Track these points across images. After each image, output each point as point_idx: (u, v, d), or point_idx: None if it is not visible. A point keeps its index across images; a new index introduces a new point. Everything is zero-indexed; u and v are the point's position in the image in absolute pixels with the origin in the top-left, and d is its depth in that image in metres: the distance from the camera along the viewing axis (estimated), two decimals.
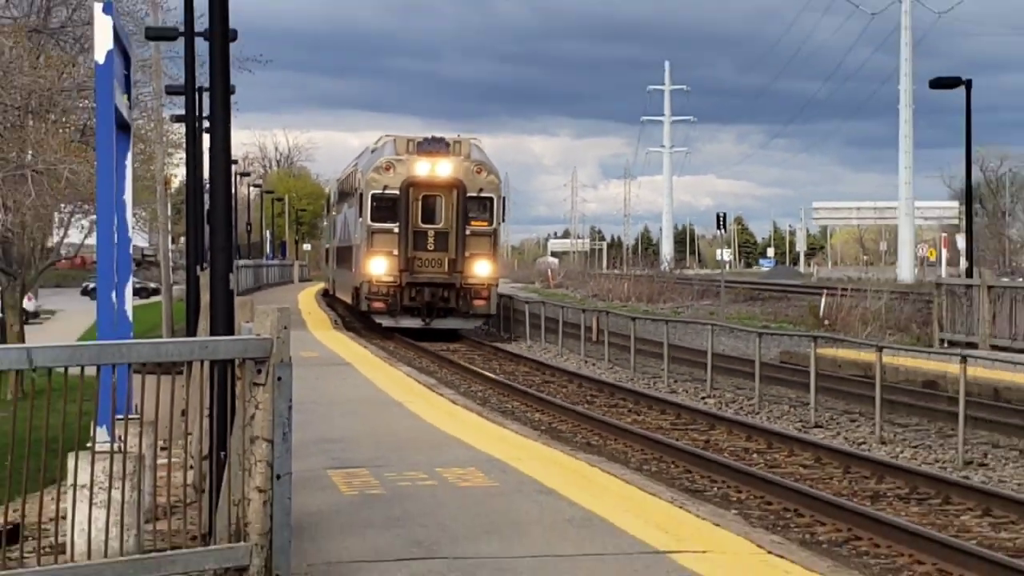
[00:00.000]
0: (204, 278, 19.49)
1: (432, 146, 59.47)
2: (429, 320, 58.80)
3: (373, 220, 59.43)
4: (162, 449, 16.22)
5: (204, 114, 35.86)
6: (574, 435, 32.42)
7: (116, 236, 17.59)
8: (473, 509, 16.88)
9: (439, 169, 60.35)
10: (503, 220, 58.75)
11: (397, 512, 16.59)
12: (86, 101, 39.81)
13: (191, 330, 30.73)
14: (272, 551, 12.82)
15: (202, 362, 15.07)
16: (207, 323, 17.50)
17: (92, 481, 14.54)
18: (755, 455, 30.04)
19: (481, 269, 58.76)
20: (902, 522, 21.65)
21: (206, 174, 25.89)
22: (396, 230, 57.85)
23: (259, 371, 12.92)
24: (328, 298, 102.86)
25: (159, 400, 15.91)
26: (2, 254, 55.31)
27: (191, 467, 16.88)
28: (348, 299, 73.69)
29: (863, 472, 27.53)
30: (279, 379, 12.84)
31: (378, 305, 58.50)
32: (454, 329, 61.64)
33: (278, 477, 12.79)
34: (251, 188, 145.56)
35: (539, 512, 16.73)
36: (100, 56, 17.61)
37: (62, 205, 52.59)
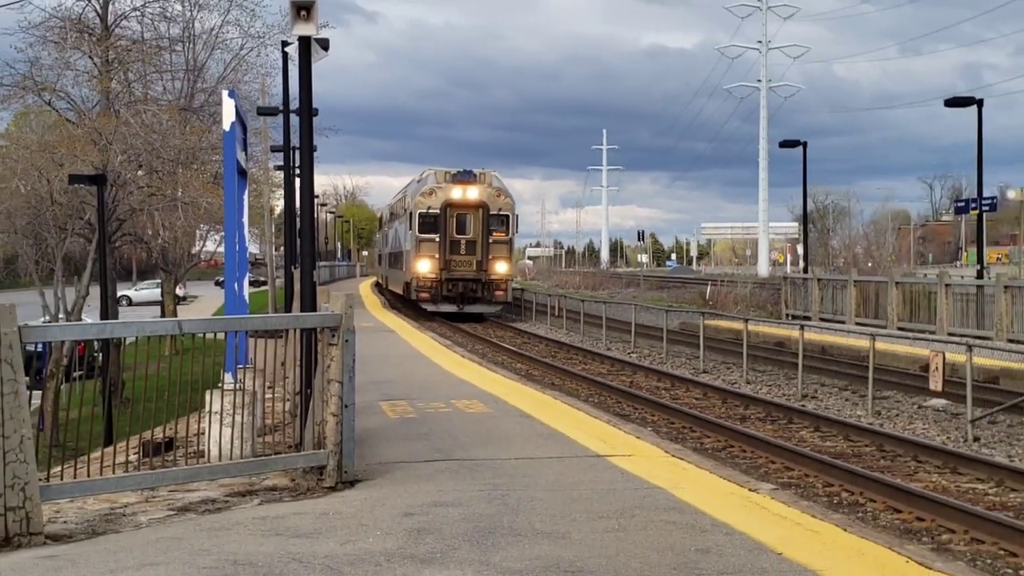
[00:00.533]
0: (296, 274, 19.49)
1: (464, 176, 58.62)
2: (462, 306, 56.73)
3: (420, 232, 57.48)
4: (268, 388, 16.23)
5: (296, 164, 35.76)
6: (543, 378, 32.24)
7: (237, 246, 17.62)
8: (475, 427, 16.91)
9: (469, 193, 58.61)
10: (516, 231, 59.29)
11: (424, 429, 16.64)
12: (217, 156, 39.59)
13: (288, 308, 30.71)
14: (342, 455, 12.85)
15: (296, 330, 15.22)
16: (298, 304, 17.51)
17: (222, 409, 14.56)
18: (663, 391, 29.86)
19: (500, 268, 57.81)
20: (761, 435, 21.71)
21: (298, 204, 25.92)
22: (437, 239, 56.26)
23: (333, 335, 12.95)
24: (379, 288, 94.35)
25: (266, 355, 15.95)
26: (162, 258, 55.38)
27: (287, 400, 16.92)
28: (399, 291, 68.75)
29: (735, 402, 27.52)
30: (346, 341, 12.87)
31: (424, 295, 56.71)
32: (480, 313, 59.52)
33: (346, 406, 12.82)
34: (327, 214, 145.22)
35: (520, 429, 16.77)
36: (226, 126, 17.63)
37: (201, 225, 52.59)
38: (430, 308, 55.71)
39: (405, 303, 76.41)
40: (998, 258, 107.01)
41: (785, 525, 10.54)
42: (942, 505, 15.54)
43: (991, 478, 18.08)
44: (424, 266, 55.71)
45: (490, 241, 54.56)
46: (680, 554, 9.39)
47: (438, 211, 55.95)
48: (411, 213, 56.12)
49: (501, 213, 54.74)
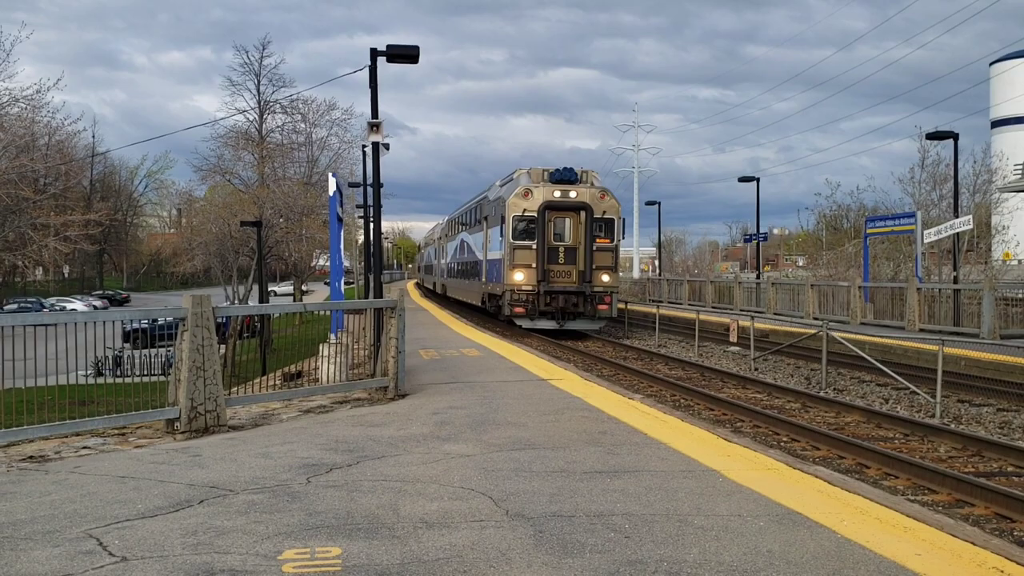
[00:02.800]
0: (370, 279, 19.48)
1: (564, 175, 35.48)
2: (563, 322, 34.00)
3: (515, 238, 34.10)
4: (355, 342, 16.22)
5: (371, 215, 35.58)
6: (512, 336, 32.02)
7: (337, 262, 17.62)
8: (473, 365, 16.85)
9: (570, 194, 34.94)
10: (623, 237, 35.68)
11: (444, 366, 16.60)
12: (325, 210, 39.55)
13: (366, 296, 30.72)
14: (397, 380, 12.85)
15: (371, 309, 15.17)
16: (372, 295, 17.51)
17: (329, 354, 14.56)
18: (580, 344, 29.70)
19: (605, 278, 33.89)
20: (635, 367, 21.64)
21: (371, 238, 25.99)
22: (534, 246, 33.79)
23: (392, 311, 12.96)
24: (419, 288, 78.71)
25: (355, 323, 15.94)
26: (294, 268, 55.17)
27: (366, 349, 16.87)
28: (474, 302, 41.69)
29: (620, 349, 27.46)
30: (400, 315, 12.88)
31: (519, 309, 33.86)
32: (582, 330, 34.81)
33: (400, 352, 12.83)
34: (388, 243, 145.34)
35: (499, 365, 16.73)
36: (330, 192, 17.62)
37: (316, 250, 52.37)
38: (525, 325, 32.84)
39: (432, 295, 61.76)
40: (769, 268, 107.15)
41: (648, 418, 10.59)
42: (737, 406, 15.62)
43: (764, 391, 18.19)
44: (519, 276, 32.71)
45: (593, 249, 32.66)
46: (589, 433, 9.46)
47: (535, 214, 32.80)
48: (503, 216, 33.48)
49: (606, 217, 32.98)
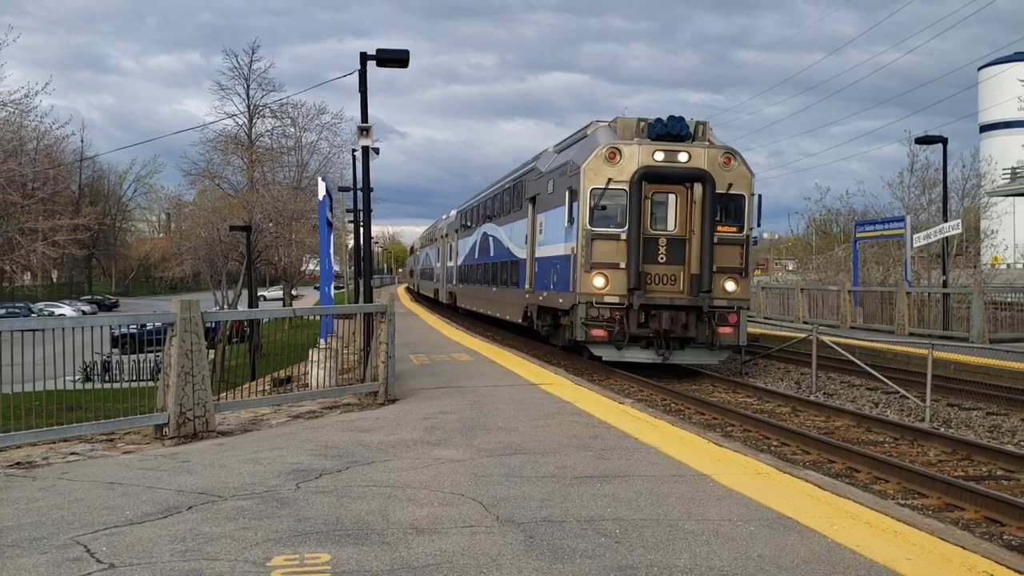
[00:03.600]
0: (361, 283, 19.49)
1: (672, 127, 19.45)
2: (666, 353, 19.47)
3: (593, 224, 19.31)
4: (345, 347, 16.20)
5: (360, 219, 35.56)
6: (504, 341, 31.82)
7: (327, 266, 17.61)
8: (464, 369, 16.81)
9: (680, 158, 19.24)
10: (758, 224, 19.83)
11: (434, 370, 16.55)
12: (315, 215, 39.51)
13: (356, 301, 30.76)
14: (387, 386, 12.83)
15: (361, 313, 15.14)
16: (362, 299, 17.50)
17: (319, 359, 14.54)
18: (560, 351, 29.11)
19: (730, 287, 19.44)
20: (628, 373, 21.54)
21: (361, 242, 26.00)
22: (623, 236, 18.93)
23: (382, 316, 12.95)
24: (411, 293, 74.46)
25: (345, 328, 15.91)
26: (284, 273, 55.16)
27: (356, 354, 16.85)
28: (511, 317, 27.82)
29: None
30: (390, 319, 12.87)
31: (598, 333, 19.21)
32: (695, 366, 20.69)
33: (390, 356, 12.81)
34: (378, 248, 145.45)
35: (490, 370, 16.69)
36: (320, 197, 17.63)
37: (305, 255, 52.35)
38: (607, 357, 20.17)
39: (422, 299, 58.91)
40: (759, 272, 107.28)
41: (638, 422, 10.59)
42: (728, 411, 15.61)
43: (754, 395, 18.19)
44: (599, 282, 19.77)
45: (714, 241, 19.59)
46: (580, 438, 9.45)
47: (624, 187, 19.42)
48: (571, 192, 20.16)
49: (732, 193, 19.75)
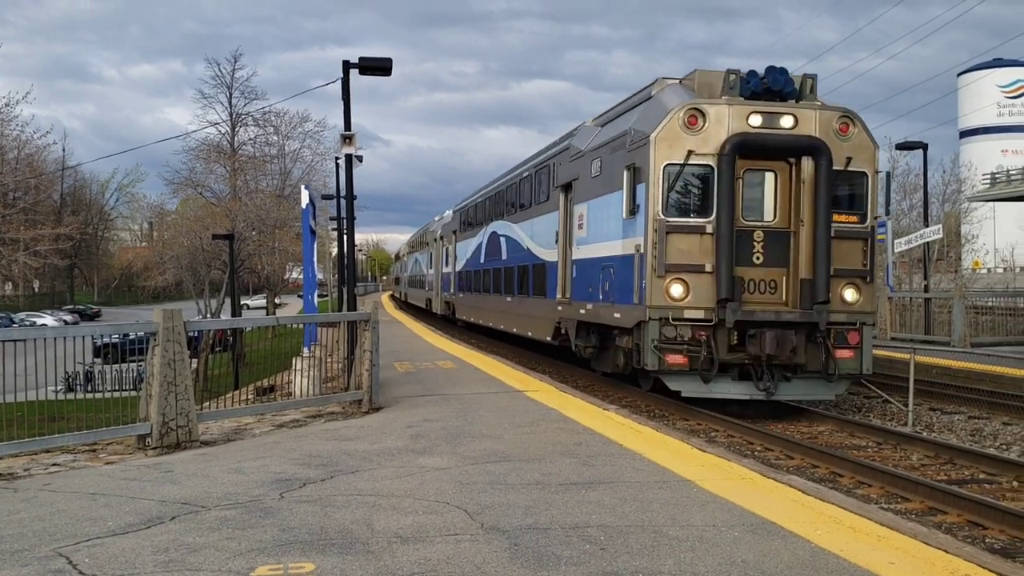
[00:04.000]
0: (344, 291, 19.46)
1: (773, 79, 13.59)
2: (772, 386, 13.68)
3: (668, 212, 13.60)
4: (328, 355, 16.15)
5: (344, 226, 35.52)
6: (485, 346, 31.73)
7: (310, 274, 17.56)
8: (448, 377, 16.79)
9: (783, 122, 13.44)
10: (886, 212, 16.06)
11: (419, 378, 16.53)
12: (298, 223, 39.52)
13: (340, 309, 30.73)
14: (372, 393, 12.80)
15: (345, 321, 15.12)
16: (346, 307, 17.46)
17: (302, 367, 14.49)
18: (549, 355, 29.04)
19: (848, 295, 13.61)
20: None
21: (345, 250, 25.98)
22: (709, 228, 13.34)
23: (366, 324, 12.92)
24: (395, 300, 73.52)
25: (328, 336, 15.87)
26: (267, 281, 54.97)
27: (340, 362, 16.80)
28: (537, 334, 21.73)
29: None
30: (374, 327, 12.84)
31: (677, 359, 13.44)
32: (807, 402, 15.01)
33: (374, 365, 12.78)
34: (362, 255, 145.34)
35: (474, 377, 16.67)
36: (303, 205, 17.57)
37: (289, 263, 52.21)
38: (688, 392, 14.52)
39: (406, 306, 59.54)
40: None
41: (623, 429, 10.59)
42: (712, 417, 15.62)
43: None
44: (677, 291, 13.97)
45: (831, 234, 13.78)
46: (565, 445, 9.45)
47: (709, 164, 13.96)
48: (634, 171, 14.55)
49: (852, 170, 14.12)
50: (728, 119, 14.39)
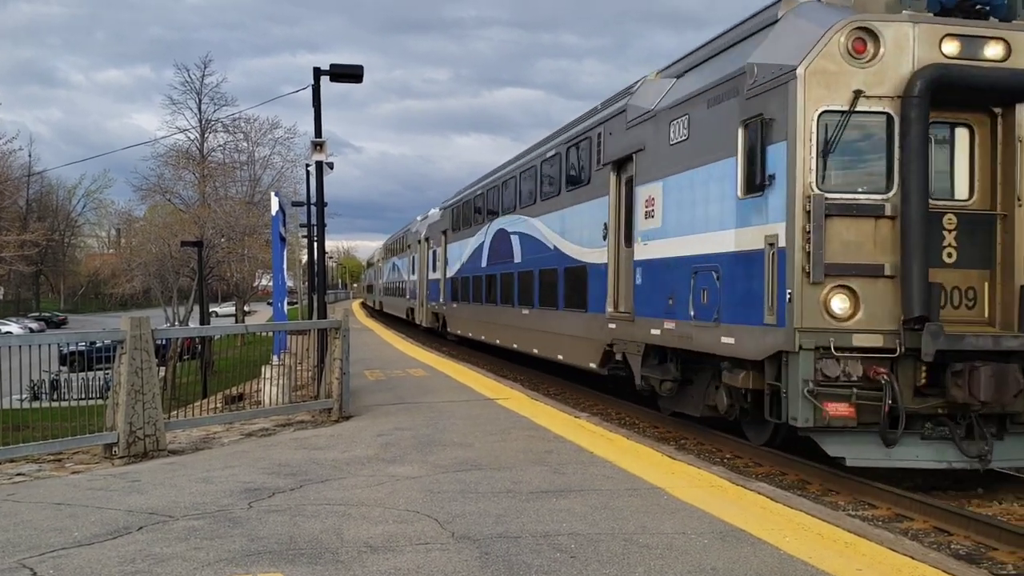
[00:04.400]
0: (315, 299, 19.35)
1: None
2: (988, 449, 8.37)
3: (825, 186, 8.22)
4: (298, 363, 16.06)
5: (314, 234, 35.36)
6: (457, 355, 31.60)
7: (280, 282, 17.47)
8: (419, 385, 16.77)
9: (988, 52, 7.83)
10: None
11: (390, 386, 16.50)
12: (268, 230, 39.32)
13: (310, 317, 30.56)
14: (342, 402, 12.74)
15: (315, 329, 15.04)
16: (316, 315, 17.38)
17: (271, 376, 14.40)
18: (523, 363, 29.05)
19: None
20: (582, 388, 21.55)
21: (315, 257, 25.85)
22: (890, 210, 7.88)
23: (337, 332, 12.86)
24: (366, 308, 72.44)
25: (298, 344, 15.78)
26: (236, 289, 54.58)
27: (310, 370, 16.70)
28: (573, 359, 16.61)
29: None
30: (344, 335, 12.79)
31: (842, 410, 7.98)
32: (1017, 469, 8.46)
33: (344, 373, 12.72)
34: (332, 263, 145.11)
35: (446, 384, 16.66)
36: (273, 212, 17.49)
37: (258, 270, 51.88)
38: (861, 460, 9.41)
39: (379, 314, 59.25)
40: None
41: (594, 436, 10.62)
42: (682, 424, 15.66)
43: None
44: (840, 306, 8.86)
45: None
46: (536, 453, 9.46)
47: (888, 110, 8.83)
48: (764, 124, 9.57)
49: None
50: (913, 45, 9.69)
